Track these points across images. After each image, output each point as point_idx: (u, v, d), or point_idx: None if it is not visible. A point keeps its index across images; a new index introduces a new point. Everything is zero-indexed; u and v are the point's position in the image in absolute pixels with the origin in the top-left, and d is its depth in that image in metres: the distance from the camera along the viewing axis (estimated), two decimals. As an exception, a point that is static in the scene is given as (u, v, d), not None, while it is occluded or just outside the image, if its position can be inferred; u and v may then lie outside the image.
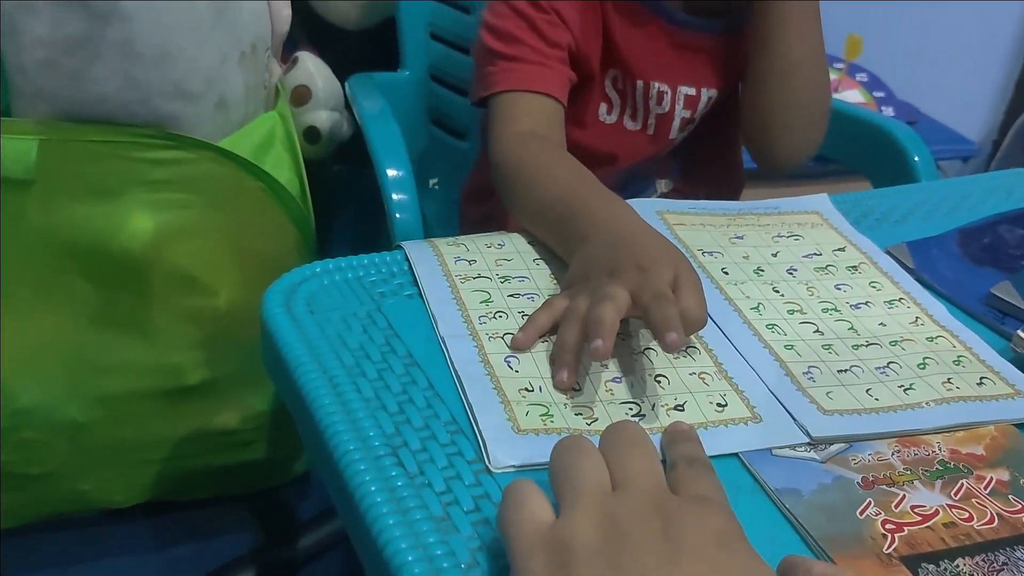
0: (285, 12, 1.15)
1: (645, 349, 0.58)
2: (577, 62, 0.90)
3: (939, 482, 0.50)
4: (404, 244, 0.66)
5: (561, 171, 0.74)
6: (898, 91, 1.92)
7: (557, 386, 0.53)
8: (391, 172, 1.03)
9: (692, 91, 0.94)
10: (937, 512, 0.48)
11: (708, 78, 0.94)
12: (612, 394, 0.53)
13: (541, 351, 0.56)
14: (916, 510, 0.48)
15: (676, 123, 0.95)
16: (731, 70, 0.94)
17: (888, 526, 0.46)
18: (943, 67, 2.01)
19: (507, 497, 0.41)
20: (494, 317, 0.59)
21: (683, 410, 0.53)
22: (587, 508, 0.38)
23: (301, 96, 1.25)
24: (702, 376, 0.56)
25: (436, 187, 1.36)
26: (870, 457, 0.51)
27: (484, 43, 0.88)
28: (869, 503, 0.48)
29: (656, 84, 0.92)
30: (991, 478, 0.50)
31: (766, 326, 0.61)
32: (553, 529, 0.38)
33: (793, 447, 0.51)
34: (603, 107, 0.94)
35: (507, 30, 0.87)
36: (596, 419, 0.51)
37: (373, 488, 0.45)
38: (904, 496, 0.48)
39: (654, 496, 0.39)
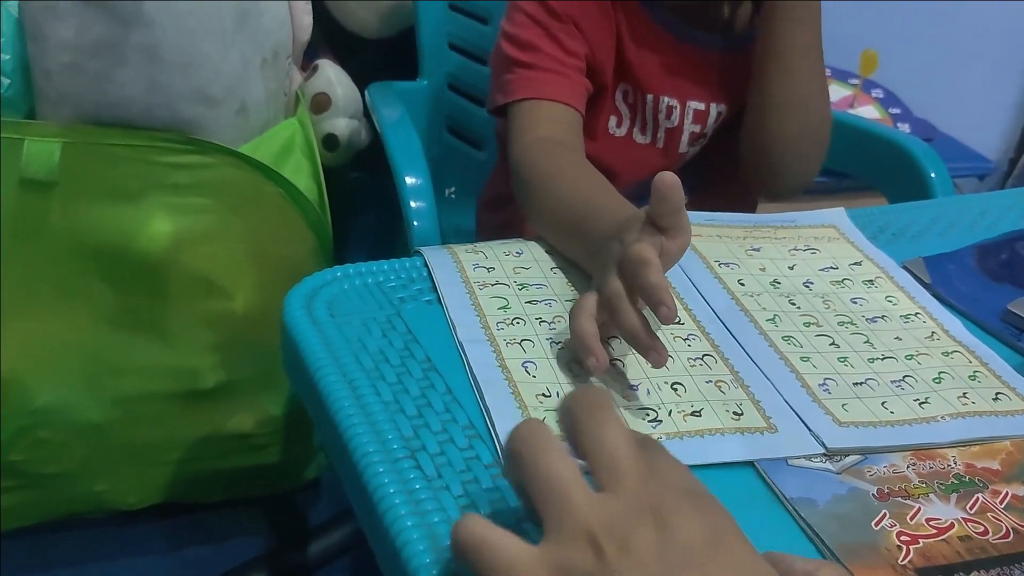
0: (306, 20, 1.16)
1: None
2: (592, 73, 0.90)
3: (954, 496, 0.50)
4: (423, 250, 0.67)
5: (579, 178, 0.74)
6: (914, 108, 1.91)
7: (592, 370, 0.53)
8: (409, 180, 1.04)
9: (701, 106, 0.94)
10: (952, 525, 0.48)
11: (718, 93, 0.94)
12: (629, 400, 0.54)
13: (557, 358, 0.56)
14: (931, 523, 0.48)
15: (685, 137, 0.95)
16: (741, 86, 0.94)
17: (903, 538, 0.46)
18: (960, 84, 2.00)
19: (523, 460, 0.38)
20: (512, 323, 0.59)
21: (700, 416, 0.53)
22: (576, 529, 0.36)
23: (321, 103, 1.26)
24: (719, 384, 0.56)
25: (453, 196, 1.37)
26: (885, 469, 0.51)
27: (503, 51, 0.89)
28: (884, 515, 0.48)
29: (665, 99, 0.93)
30: (1007, 492, 0.50)
31: (782, 338, 0.62)
32: (544, 555, 0.35)
33: (809, 457, 0.52)
34: (613, 120, 0.95)
35: (526, 38, 0.87)
36: (613, 426, 0.52)
37: (392, 490, 0.45)
38: (919, 509, 0.49)
39: (642, 497, 0.37)
